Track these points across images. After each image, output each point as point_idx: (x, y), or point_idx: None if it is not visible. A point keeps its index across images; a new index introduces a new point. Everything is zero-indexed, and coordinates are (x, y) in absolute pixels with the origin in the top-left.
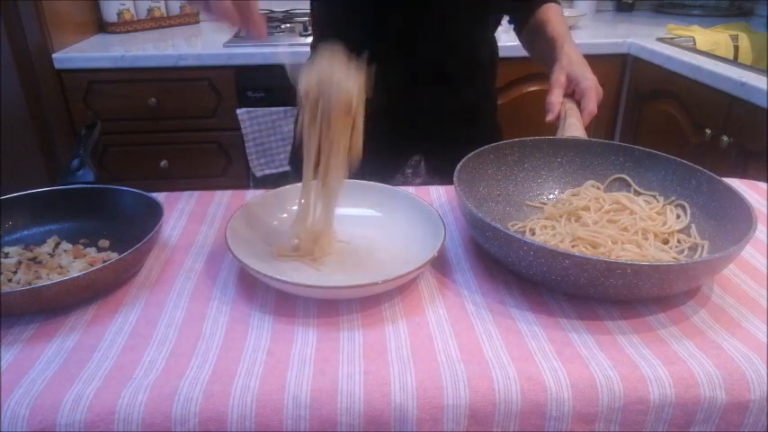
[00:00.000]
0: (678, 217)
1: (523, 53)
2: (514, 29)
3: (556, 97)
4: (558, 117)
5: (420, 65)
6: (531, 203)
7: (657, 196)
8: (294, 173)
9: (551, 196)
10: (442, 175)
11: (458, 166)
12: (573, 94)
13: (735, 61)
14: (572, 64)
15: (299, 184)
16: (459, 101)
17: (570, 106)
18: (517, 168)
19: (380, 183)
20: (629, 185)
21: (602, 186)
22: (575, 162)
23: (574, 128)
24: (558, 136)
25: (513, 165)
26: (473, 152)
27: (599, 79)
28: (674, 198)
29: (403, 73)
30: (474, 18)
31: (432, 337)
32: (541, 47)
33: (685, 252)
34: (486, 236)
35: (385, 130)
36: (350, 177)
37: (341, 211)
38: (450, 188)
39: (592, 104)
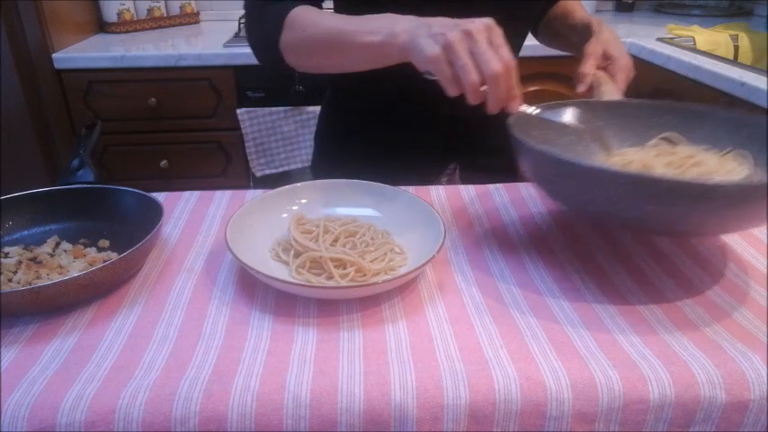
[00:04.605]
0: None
1: (524, 53)
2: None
3: (588, 68)
4: (590, 88)
5: None
6: None
7: (711, 150)
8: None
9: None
10: (474, 182)
11: (510, 123)
12: (605, 70)
13: (735, 61)
14: (610, 41)
15: (299, 184)
16: (482, 110)
17: (601, 74)
18: (558, 133)
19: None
20: (675, 143)
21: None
22: (613, 125)
23: (611, 94)
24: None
25: (556, 130)
26: (515, 116)
27: None
28: (729, 149)
29: (436, 86)
30: (512, 34)
31: (432, 337)
32: (572, 31)
33: None
34: (562, 177)
35: (425, 141)
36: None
37: (341, 210)
38: (451, 188)
39: (622, 84)
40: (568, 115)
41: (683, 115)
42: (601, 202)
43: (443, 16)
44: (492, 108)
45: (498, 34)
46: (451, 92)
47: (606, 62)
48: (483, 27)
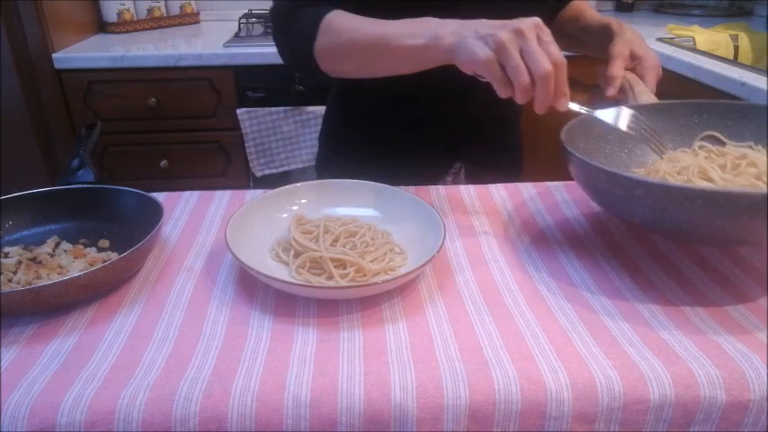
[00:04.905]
0: None
1: None
2: None
3: (617, 70)
4: (620, 91)
5: (465, 79)
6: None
7: (754, 146)
8: (320, 178)
9: (649, 161)
10: (478, 180)
11: (562, 138)
12: (632, 70)
13: (735, 61)
14: (635, 41)
15: (299, 184)
16: (495, 109)
17: (632, 76)
18: (603, 141)
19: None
20: (720, 141)
21: (689, 150)
22: (657, 126)
23: (645, 94)
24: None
25: (599, 138)
26: (565, 128)
27: None
28: None
29: (449, 86)
30: None
31: (432, 337)
32: (585, 32)
33: None
34: (635, 199)
35: (431, 140)
36: (394, 186)
37: (341, 210)
38: (451, 188)
39: (652, 84)
40: (613, 120)
41: (724, 112)
42: (680, 220)
43: (451, 16)
44: (539, 108)
45: (547, 32)
46: (502, 93)
47: (633, 62)
48: (532, 25)
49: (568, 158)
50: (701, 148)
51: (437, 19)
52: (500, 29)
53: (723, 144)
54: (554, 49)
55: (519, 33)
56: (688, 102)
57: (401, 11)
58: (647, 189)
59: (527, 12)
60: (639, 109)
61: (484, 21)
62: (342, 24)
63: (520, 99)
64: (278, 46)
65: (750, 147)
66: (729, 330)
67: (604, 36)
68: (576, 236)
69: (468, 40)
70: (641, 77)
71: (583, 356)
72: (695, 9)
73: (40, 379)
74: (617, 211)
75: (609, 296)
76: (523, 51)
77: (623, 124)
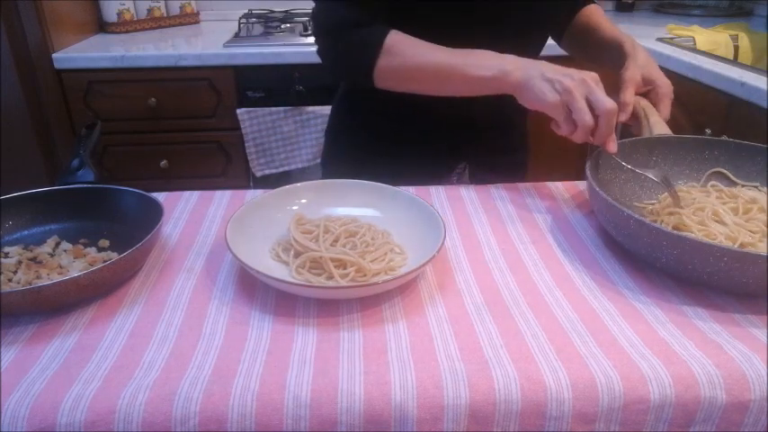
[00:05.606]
0: None
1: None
2: (553, 37)
3: (629, 96)
4: (633, 116)
5: None
6: (639, 204)
7: (760, 187)
8: (325, 174)
9: (659, 195)
10: (482, 181)
11: (589, 175)
12: (645, 95)
13: (735, 61)
14: (647, 65)
15: (299, 184)
16: (498, 112)
17: (646, 104)
18: (618, 171)
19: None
20: (727, 178)
21: (697, 185)
22: (669, 159)
23: (660, 125)
24: (645, 135)
25: (615, 167)
26: (588, 163)
27: None
28: None
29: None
30: (520, 46)
31: (432, 337)
32: (601, 47)
33: None
34: (661, 248)
35: (436, 140)
36: (399, 185)
37: (341, 210)
38: (451, 188)
39: (666, 111)
40: (630, 154)
41: (733, 151)
42: (703, 272)
43: (464, 16)
44: (596, 142)
45: (601, 86)
46: (566, 131)
47: (646, 87)
48: (593, 77)
49: (596, 198)
50: (713, 186)
51: (493, 52)
52: (565, 76)
53: (730, 180)
54: (607, 98)
55: (583, 82)
56: (700, 137)
57: (443, 25)
58: (675, 241)
59: (542, 14)
60: (656, 142)
61: (545, 63)
62: (406, 48)
63: (580, 138)
64: (325, 56)
65: (757, 187)
66: (729, 330)
67: (617, 56)
68: (576, 236)
69: (535, 81)
70: (655, 105)
71: (583, 356)
72: (695, 9)
73: (40, 379)
74: (639, 253)
75: (609, 296)
76: (587, 95)
77: (634, 162)
